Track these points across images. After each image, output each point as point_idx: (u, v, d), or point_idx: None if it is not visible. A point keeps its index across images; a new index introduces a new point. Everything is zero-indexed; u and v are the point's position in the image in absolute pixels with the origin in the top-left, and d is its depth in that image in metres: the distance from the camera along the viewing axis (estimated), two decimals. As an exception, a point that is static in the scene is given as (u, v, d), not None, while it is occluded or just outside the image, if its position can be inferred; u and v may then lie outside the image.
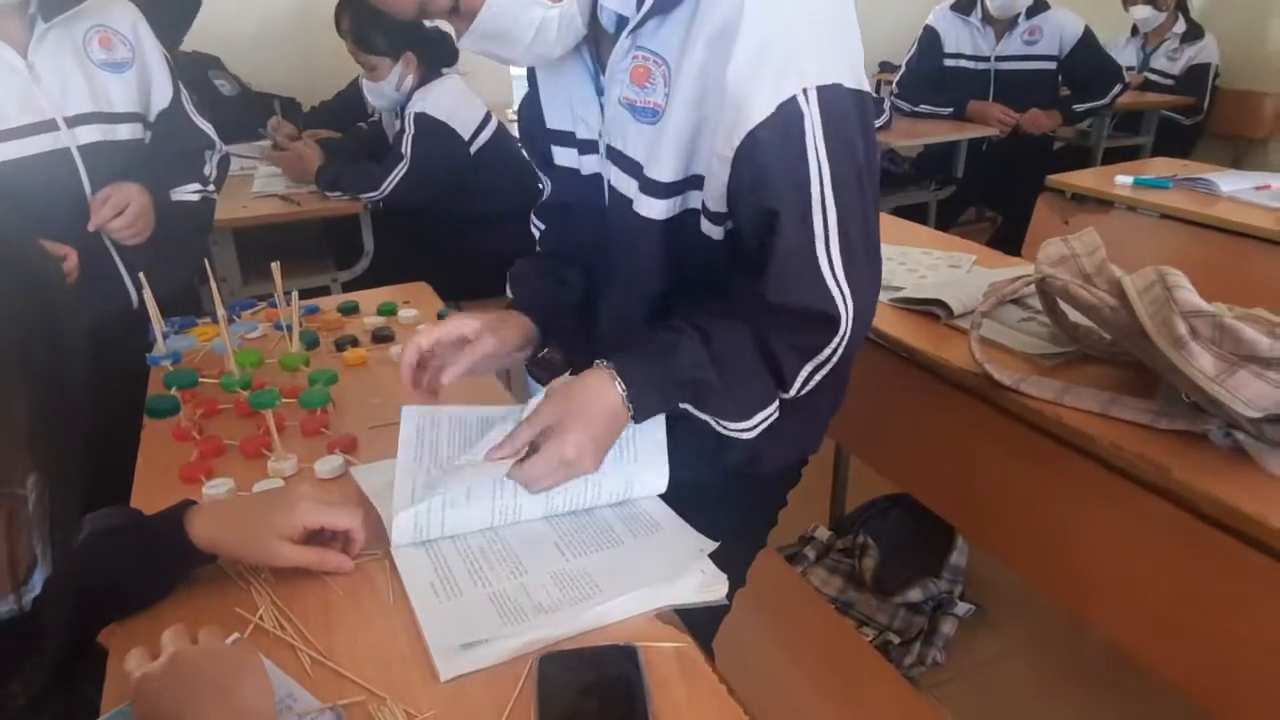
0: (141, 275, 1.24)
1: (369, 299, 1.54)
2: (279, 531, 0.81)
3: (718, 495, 1.00)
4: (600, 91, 0.94)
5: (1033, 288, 1.30)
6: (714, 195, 0.88)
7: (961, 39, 3.50)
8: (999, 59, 3.44)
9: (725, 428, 0.93)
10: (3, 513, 0.45)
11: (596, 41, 0.94)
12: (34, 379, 0.45)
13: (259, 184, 2.58)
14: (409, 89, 2.47)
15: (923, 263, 1.68)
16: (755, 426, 0.93)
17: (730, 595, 0.91)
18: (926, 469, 1.49)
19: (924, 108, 3.52)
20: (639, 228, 0.93)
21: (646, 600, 0.79)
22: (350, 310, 1.49)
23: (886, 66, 4.56)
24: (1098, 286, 1.14)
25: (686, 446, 0.97)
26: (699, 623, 0.80)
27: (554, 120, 1.04)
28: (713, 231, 0.91)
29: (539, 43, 0.90)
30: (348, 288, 2.50)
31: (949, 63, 3.53)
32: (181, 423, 1.10)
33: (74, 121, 1.45)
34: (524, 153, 1.19)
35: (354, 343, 1.34)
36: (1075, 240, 1.21)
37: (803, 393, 0.93)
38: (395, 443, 0.95)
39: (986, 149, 3.49)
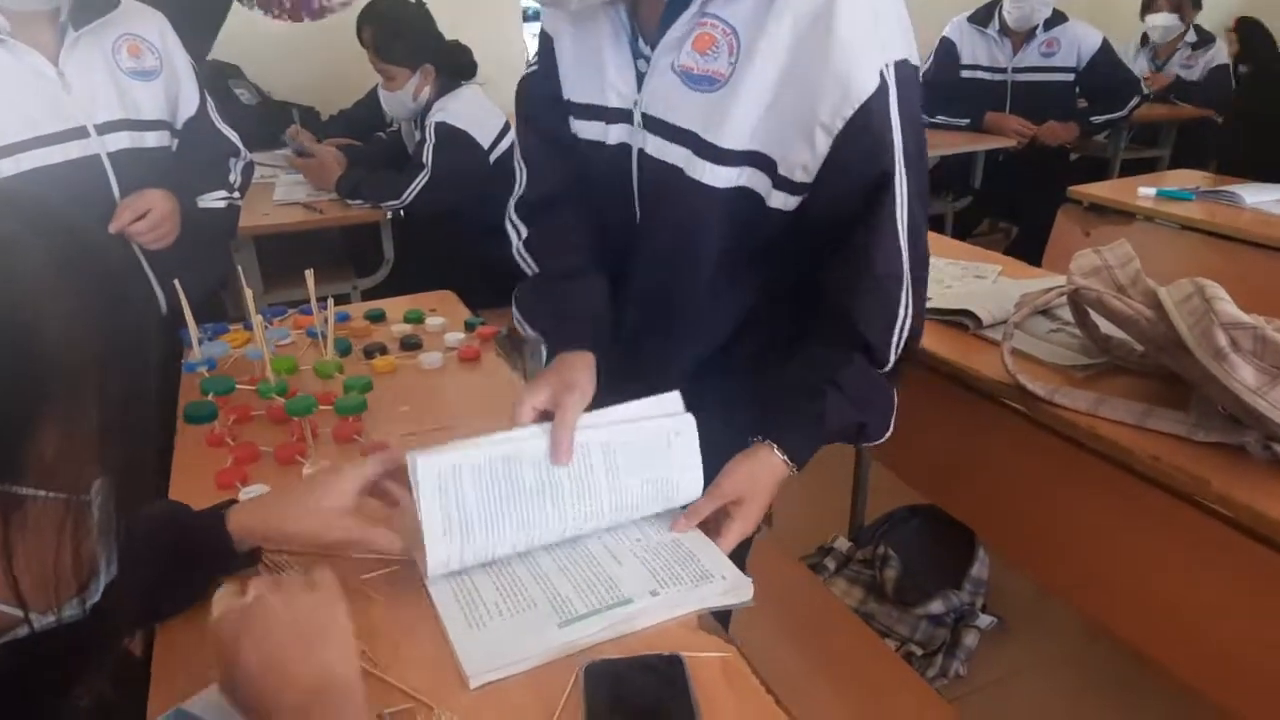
0: (176, 282, 1.25)
1: (395, 307, 1.55)
2: (330, 500, 0.78)
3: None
4: (638, 56, 0.94)
5: (1063, 299, 1.29)
6: (800, 166, 0.89)
7: (978, 50, 3.50)
8: (1016, 70, 3.44)
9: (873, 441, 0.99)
10: (69, 518, 0.45)
11: (634, 6, 0.94)
12: (108, 382, 0.45)
13: (280, 192, 2.59)
14: (426, 100, 2.49)
15: (948, 273, 1.68)
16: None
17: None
18: (952, 479, 1.49)
19: (940, 119, 3.52)
20: (694, 195, 0.92)
21: (683, 604, 0.78)
22: (378, 318, 1.49)
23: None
24: (1132, 298, 1.13)
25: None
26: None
27: (578, 93, 1.01)
28: (786, 204, 0.92)
29: None
30: (367, 295, 2.51)
31: (966, 74, 3.53)
32: (216, 429, 1.10)
33: (104, 129, 1.46)
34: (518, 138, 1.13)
35: (382, 350, 1.34)
36: (1108, 252, 1.21)
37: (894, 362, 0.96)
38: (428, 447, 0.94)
39: (1003, 160, 3.49)
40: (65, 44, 1.42)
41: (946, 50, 3.55)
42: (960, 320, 1.42)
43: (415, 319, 1.47)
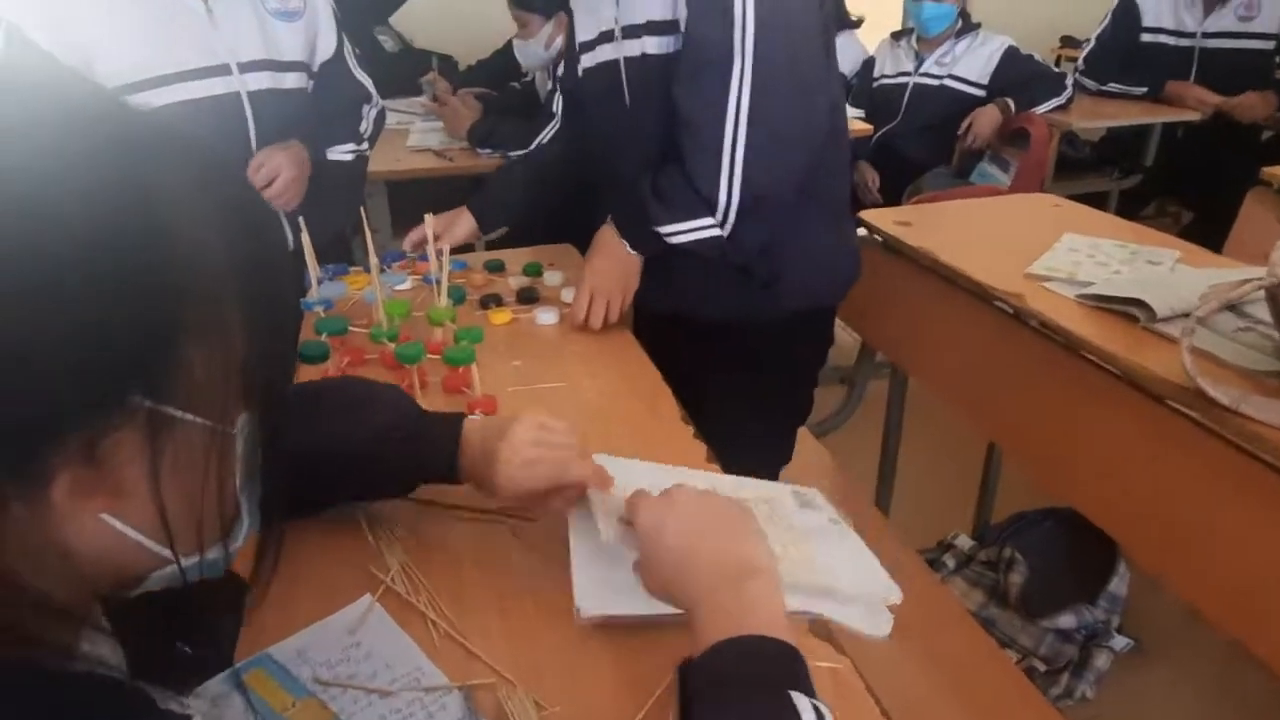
0: (301, 220, 1.24)
1: (515, 258, 1.52)
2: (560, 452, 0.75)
3: (742, 338, 1.32)
4: None
5: (1259, 293, 1.12)
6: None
7: (1163, 12, 3.15)
8: (1206, 36, 3.08)
9: (662, 234, 1.18)
10: (214, 451, 0.41)
11: None
12: (249, 308, 0.41)
13: (414, 139, 2.61)
14: (558, 49, 2.44)
15: (1115, 256, 1.50)
16: (683, 233, 1.18)
17: (777, 470, 1.46)
18: (1099, 483, 1.34)
19: (1113, 87, 3.20)
20: (649, 70, 1.18)
21: (814, 603, 0.70)
22: (496, 269, 1.46)
23: (1069, 41, 4.20)
24: (1352, 297, 0.96)
25: (710, 271, 1.24)
26: None
27: (582, 33, 1.29)
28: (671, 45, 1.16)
29: None
30: (492, 246, 2.51)
31: (1146, 38, 3.19)
32: (329, 370, 1.09)
33: (246, 67, 1.47)
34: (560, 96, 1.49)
35: (498, 301, 1.31)
36: (1323, 241, 1.03)
37: (732, 200, 1.14)
38: (535, 406, 0.90)
39: (1182, 136, 3.15)
40: None
41: (1126, 9, 3.21)
42: (1129, 310, 1.26)
43: (534, 272, 1.43)
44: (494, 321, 1.26)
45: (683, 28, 1.13)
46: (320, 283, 1.27)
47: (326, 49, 1.62)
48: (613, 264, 1.24)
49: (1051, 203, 1.90)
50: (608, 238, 1.24)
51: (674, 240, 1.19)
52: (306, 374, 1.11)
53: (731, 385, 1.34)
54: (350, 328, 1.14)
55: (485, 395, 1.04)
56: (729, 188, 1.13)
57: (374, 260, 1.14)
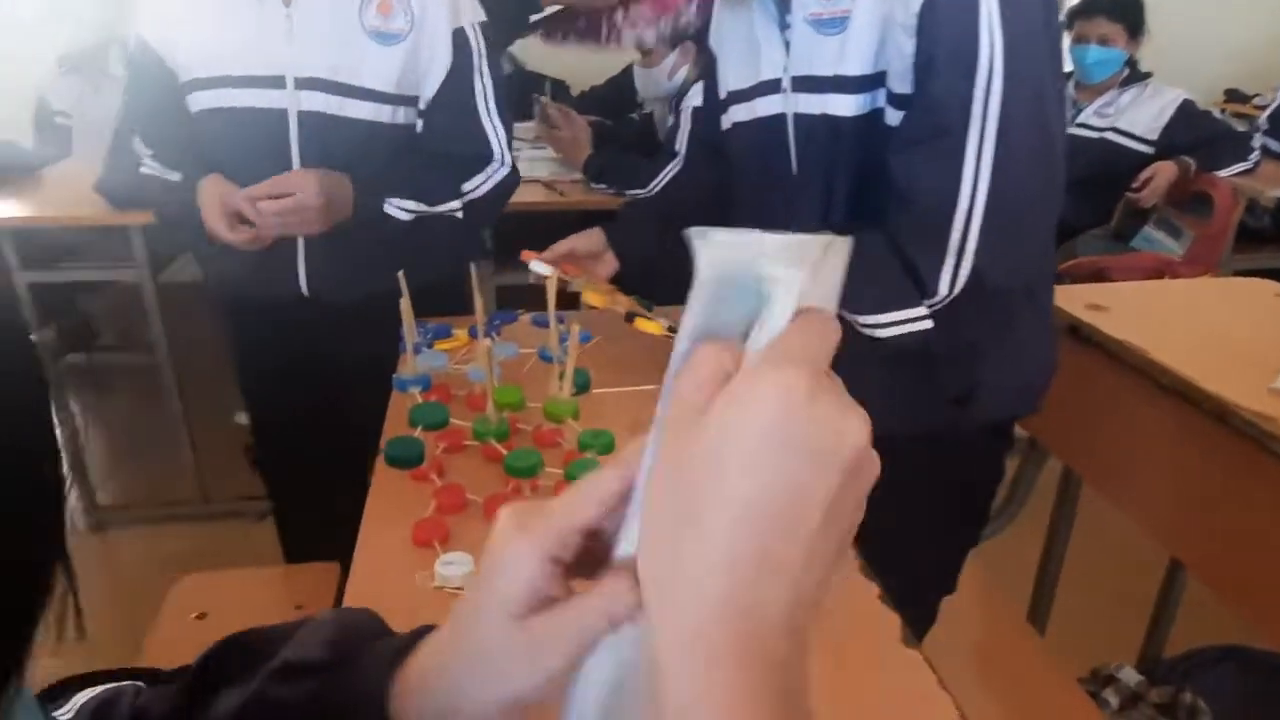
0: (400, 275, 1.05)
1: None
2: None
3: (926, 457, 1.00)
4: (784, 27, 1.00)
5: None
6: (900, 76, 0.91)
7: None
8: None
9: (861, 324, 0.95)
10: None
11: None
12: None
13: (523, 167, 2.44)
14: (681, 81, 2.27)
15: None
16: (891, 325, 0.94)
17: (937, 600, 1.20)
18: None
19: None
20: (832, 133, 0.98)
21: None
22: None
23: (1234, 95, 3.81)
24: None
25: (896, 380, 1.00)
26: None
27: (734, 81, 1.11)
28: (896, 120, 0.93)
29: None
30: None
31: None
32: (425, 472, 0.89)
33: (304, 84, 1.30)
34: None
35: (648, 309, 1.07)
36: None
37: (955, 291, 0.91)
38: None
39: None
40: None
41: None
42: None
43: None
44: (642, 327, 1.02)
45: (890, 83, 0.92)
46: (417, 351, 1.07)
47: (436, 82, 1.38)
48: None
49: (1273, 291, 1.59)
50: None
51: (878, 334, 0.95)
52: (394, 481, 0.91)
53: (896, 505, 1.09)
54: (451, 419, 0.94)
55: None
56: (953, 277, 0.90)
57: (485, 343, 0.93)
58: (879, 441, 0.51)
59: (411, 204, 1.37)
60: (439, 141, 1.39)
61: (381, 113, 1.34)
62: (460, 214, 1.41)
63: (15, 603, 0.27)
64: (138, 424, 2.81)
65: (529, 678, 0.37)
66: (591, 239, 1.21)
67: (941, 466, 1.08)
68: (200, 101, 1.33)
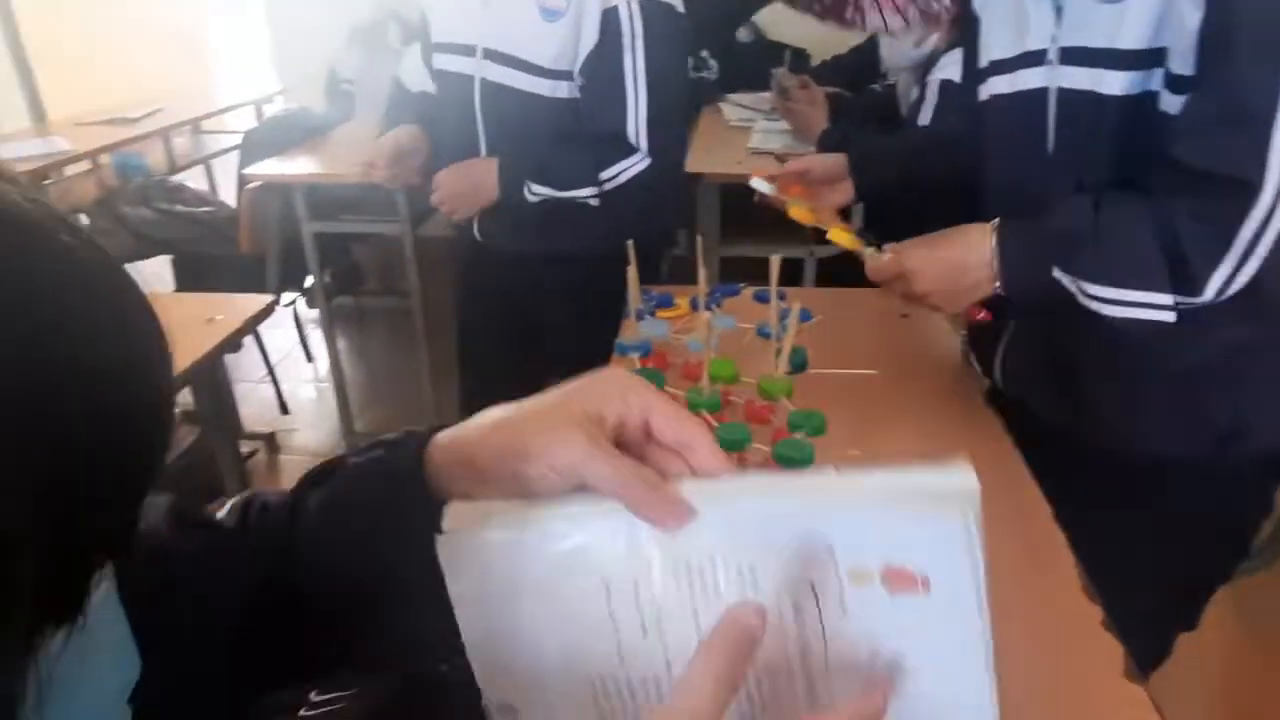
0: (629, 244, 1.09)
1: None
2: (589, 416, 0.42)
3: (1183, 484, 0.95)
4: None
5: None
6: (1181, 55, 0.81)
7: None
8: None
9: (1086, 293, 0.86)
10: None
11: None
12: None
13: (756, 139, 2.44)
14: (929, 50, 2.12)
15: None
16: (1123, 305, 0.84)
17: (1173, 637, 1.09)
18: None
19: None
20: (1096, 113, 0.89)
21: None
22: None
23: None
24: None
25: (1155, 402, 0.93)
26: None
27: (997, 50, 1.02)
28: (1171, 106, 0.83)
29: None
30: (825, 267, 2.28)
31: None
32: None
33: (489, 55, 1.43)
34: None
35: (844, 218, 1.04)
36: None
37: (1226, 295, 0.80)
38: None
39: None
40: None
41: None
42: None
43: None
44: (835, 240, 0.98)
45: (1169, 62, 0.82)
46: (639, 318, 1.11)
47: (581, 59, 1.40)
48: (954, 283, 0.92)
49: None
50: (974, 250, 0.90)
51: (1105, 310, 0.85)
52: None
53: (1151, 531, 0.98)
54: (667, 386, 0.97)
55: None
56: (1228, 279, 0.79)
57: (705, 315, 0.94)
58: (1124, 462, 0.48)
59: (540, 188, 1.41)
60: (580, 120, 1.43)
61: (540, 86, 1.40)
62: (595, 201, 1.42)
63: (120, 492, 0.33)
64: (393, 361, 3.14)
65: (587, 457, 0.40)
66: (833, 163, 1.20)
67: (1204, 494, 0.98)
68: (436, 63, 1.53)
